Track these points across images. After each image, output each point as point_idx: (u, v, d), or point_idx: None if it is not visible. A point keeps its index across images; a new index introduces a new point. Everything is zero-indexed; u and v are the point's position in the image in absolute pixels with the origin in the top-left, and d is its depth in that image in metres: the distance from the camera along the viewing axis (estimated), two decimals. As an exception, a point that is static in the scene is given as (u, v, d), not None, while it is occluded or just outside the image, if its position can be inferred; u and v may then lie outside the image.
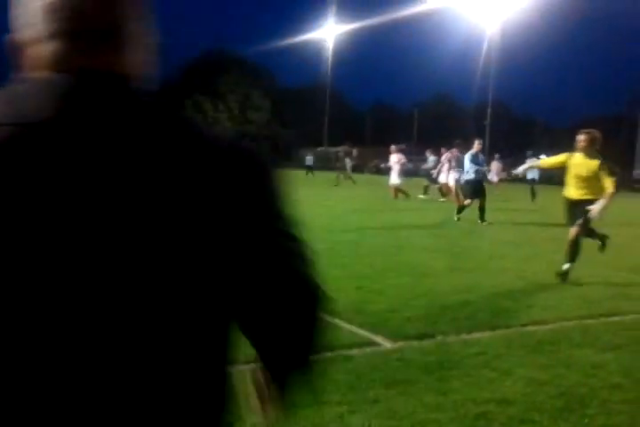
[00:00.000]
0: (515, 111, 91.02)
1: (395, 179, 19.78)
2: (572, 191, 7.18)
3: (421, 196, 20.86)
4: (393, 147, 20.76)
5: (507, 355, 4.21)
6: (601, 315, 5.49)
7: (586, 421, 3.19)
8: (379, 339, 4.43)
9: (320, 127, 68.64)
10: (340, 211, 14.61)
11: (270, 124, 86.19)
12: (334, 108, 69.54)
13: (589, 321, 5.27)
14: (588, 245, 7.33)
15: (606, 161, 6.94)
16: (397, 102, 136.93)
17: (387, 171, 21.19)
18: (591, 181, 6.93)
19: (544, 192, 21.01)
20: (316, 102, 73.70)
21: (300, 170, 36.37)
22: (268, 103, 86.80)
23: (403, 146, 22.10)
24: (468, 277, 7.03)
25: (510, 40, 59.69)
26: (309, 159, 40.25)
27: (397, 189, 19.64)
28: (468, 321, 5.02)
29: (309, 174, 36.96)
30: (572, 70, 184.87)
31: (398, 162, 19.70)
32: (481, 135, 25.09)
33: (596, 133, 7.02)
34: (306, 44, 67.34)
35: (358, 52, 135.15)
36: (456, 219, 13.65)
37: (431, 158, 22.33)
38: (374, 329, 4.62)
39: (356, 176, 29.41)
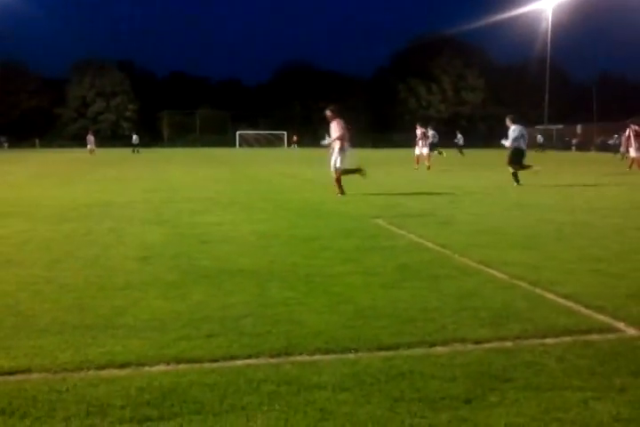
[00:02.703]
0: None
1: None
2: None
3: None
4: None
5: None
6: None
7: None
8: (620, 325, 4.11)
9: (539, 104, 65.20)
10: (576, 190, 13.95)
11: (486, 104, 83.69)
12: (555, 83, 65.50)
13: None
14: None
15: None
16: (628, 73, 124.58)
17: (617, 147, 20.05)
18: None
19: None
20: (535, 78, 70.18)
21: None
22: (482, 82, 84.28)
23: None
24: None
25: None
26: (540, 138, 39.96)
27: None
28: None
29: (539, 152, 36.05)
30: None
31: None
32: None
33: None
34: (521, 17, 64.01)
35: (580, 22, 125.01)
36: None
37: (431, 133, 24.53)
38: (615, 315, 4.30)
39: (580, 154, 27.23)
